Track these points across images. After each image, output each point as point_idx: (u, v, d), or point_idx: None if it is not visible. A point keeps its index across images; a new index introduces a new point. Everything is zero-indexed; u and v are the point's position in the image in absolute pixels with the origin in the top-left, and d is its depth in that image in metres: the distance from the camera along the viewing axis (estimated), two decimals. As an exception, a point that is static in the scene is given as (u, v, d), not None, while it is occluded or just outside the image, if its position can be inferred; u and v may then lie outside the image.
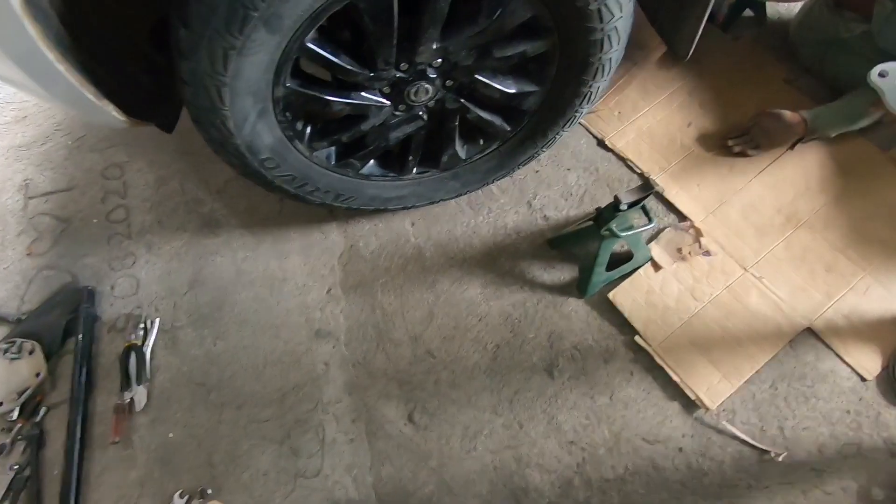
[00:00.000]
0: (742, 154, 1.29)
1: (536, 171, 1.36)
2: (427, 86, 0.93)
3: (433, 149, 1.10)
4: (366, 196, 1.15)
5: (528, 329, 1.20)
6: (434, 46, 0.83)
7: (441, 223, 1.32)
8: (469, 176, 1.20)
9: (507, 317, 1.21)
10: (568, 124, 1.09)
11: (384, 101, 0.94)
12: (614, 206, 1.00)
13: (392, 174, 1.14)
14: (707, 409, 1.08)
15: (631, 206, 1.01)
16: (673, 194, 1.28)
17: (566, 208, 1.31)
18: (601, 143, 1.37)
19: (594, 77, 0.95)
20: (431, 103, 0.99)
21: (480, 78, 0.94)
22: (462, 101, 0.99)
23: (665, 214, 1.28)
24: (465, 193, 1.26)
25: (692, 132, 1.36)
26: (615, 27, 0.85)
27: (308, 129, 0.96)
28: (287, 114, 0.88)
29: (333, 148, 1.03)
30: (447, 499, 1.06)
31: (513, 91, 0.98)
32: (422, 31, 0.79)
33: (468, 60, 0.90)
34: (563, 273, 1.24)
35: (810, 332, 1.13)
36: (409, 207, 1.25)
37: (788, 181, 1.27)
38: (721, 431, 1.07)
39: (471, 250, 1.28)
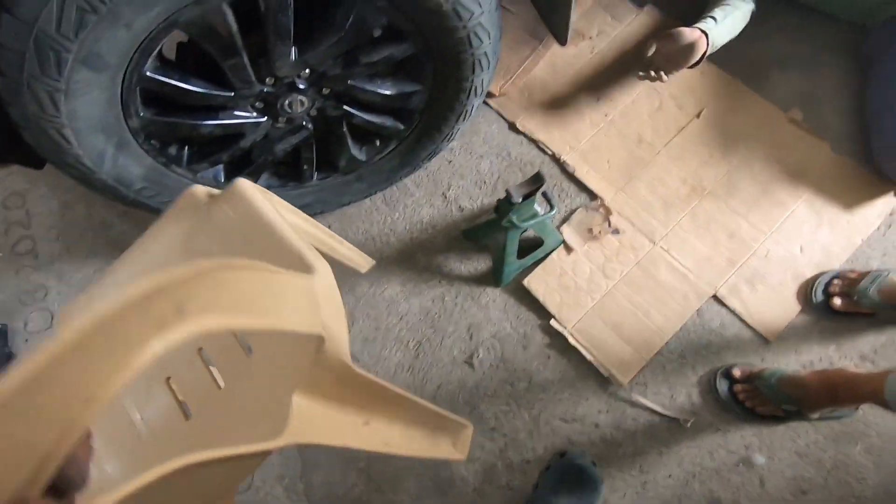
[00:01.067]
0: (653, 79, 1.21)
1: (450, 162, 1.35)
2: (300, 97, 0.90)
3: (328, 155, 1.08)
4: (268, 208, 1.13)
5: (447, 323, 1.21)
6: (292, 60, 0.81)
7: (357, 223, 1.31)
8: (374, 177, 1.18)
9: (427, 313, 1.22)
10: (462, 118, 1.07)
11: (258, 116, 0.91)
12: (507, 201, 1.00)
13: (292, 183, 1.12)
14: (620, 384, 1.12)
15: (526, 198, 1.02)
16: (584, 173, 1.29)
17: (480, 197, 1.31)
18: (512, 127, 1.36)
19: (473, 72, 0.93)
20: (313, 112, 0.96)
21: (356, 84, 0.92)
22: (344, 107, 0.97)
23: (577, 194, 1.29)
24: (375, 193, 1.25)
25: (602, 107, 1.35)
26: (479, 23, 0.83)
27: (185, 153, 0.93)
28: (153, 142, 0.85)
29: (221, 166, 1.01)
30: (376, 497, 1.09)
31: (393, 93, 0.96)
32: (271, 47, 0.76)
33: (336, 69, 0.87)
34: (480, 263, 1.25)
35: (716, 300, 1.17)
36: (318, 213, 1.23)
37: (692, 151, 1.28)
38: (634, 405, 1.12)
39: (388, 249, 1.28)
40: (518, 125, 1.35)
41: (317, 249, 0.56)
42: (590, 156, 1.31)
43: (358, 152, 1.10)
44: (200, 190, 0.60)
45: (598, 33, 1.42)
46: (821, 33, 1.35)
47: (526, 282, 1.20)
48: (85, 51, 0.62)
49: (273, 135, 0.98)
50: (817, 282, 1.13)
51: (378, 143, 1.11)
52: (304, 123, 0.98)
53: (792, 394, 1.01)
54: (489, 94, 1.38)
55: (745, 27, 1.24)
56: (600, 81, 1.37)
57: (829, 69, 1.32)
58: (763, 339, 1.14)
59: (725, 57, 1.35)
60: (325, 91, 0.92)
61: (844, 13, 1.30)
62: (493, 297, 1.22)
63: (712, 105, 1.32)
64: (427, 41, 0.86)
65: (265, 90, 0.86)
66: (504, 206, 1.04)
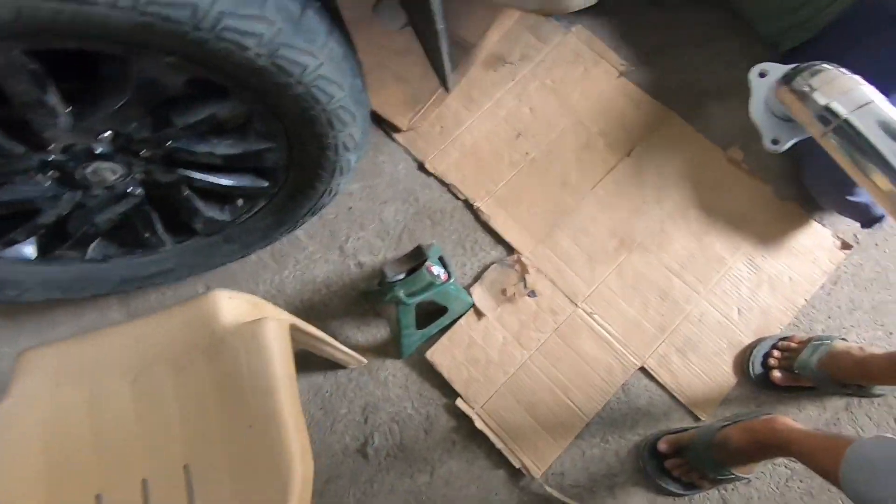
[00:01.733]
0: None
1: (349, 209, 1.17)
2: (105, 164, 0.71)
3: (177, 219, 0.89)
4: (114, 280, 0.94)
5: (340, 403, 1.04)
6: (64, 127, 0.62)
7: (240, 283, 1.13)
8: (246, 236, 1.00)
9: (318, 391, 1.05)
10: (339, 172, 0.90)
11: (57, 189, 0.72)
12: (384, 279, 0.84)
13: (139, 251, 0.93)
14: (534, 477, 0.97)
15: (410, 272, 0.85)
16: (500, 223, 1.13)
17: (383, 250, 1.14)
18: (421, 167, 1.19)
19: (332, 127, 0.76)
20: (139, 176, 0.78)
21: (180, 146, 0.73)
22: (179, 171, 0.78)
23: (492, 247, 1.13)
24: (251, 253, 1.07)
25: (523, 143, 1.19)
26: (321, 76, 0.66)
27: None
28: None
29: (30, 241, 0.81)
30: None
31: (237, 152, 0.78)
32: (24, 114, 0.58)
33: (144, 132, 0.69)
34: (380, 330, 1.09)
35: (644, 373, 1.03)
36: (187, 277, 1.04)
37: (622, 196, 1.13)
38: (550, 500, 0.97)
39: (275, 314, 1.10)
40: (427, 165, 1.18)
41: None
42: (508, 201, 1.15)
43: (217, 213, 0.92)
44: (226, 305, 0.66)
45: (520, 57, 1.25)
46: (764, 59, 1.21)
47: (429, 354, 1.04)
48: None
49: (90, 204, 0.79)
50: (755, 351, 1.00)
51: (241, 202, 0.92)
52: (129, 190, 0.80)
53: (722, 459, 0.87)
54: (394, 129, 1.21)
55: (687, 52, 1.10)
56: (522, 113, 1.21)
57: (773, 100, 1.18)
58: (695, 417, 1.01)
59: (660, 86, 1.21)
60: (145, 154, 0.74)
61: (769, 37, 1.17)
62: (394, 372, 1.06)
63: (645, 142, 1.16)
64: (259, 97, 0.68)
65: (51, 159, 0.67)
66: (384, 283, 0.87)
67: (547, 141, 1.18)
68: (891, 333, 1.03)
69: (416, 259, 0.83)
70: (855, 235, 1.09)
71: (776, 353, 0.98)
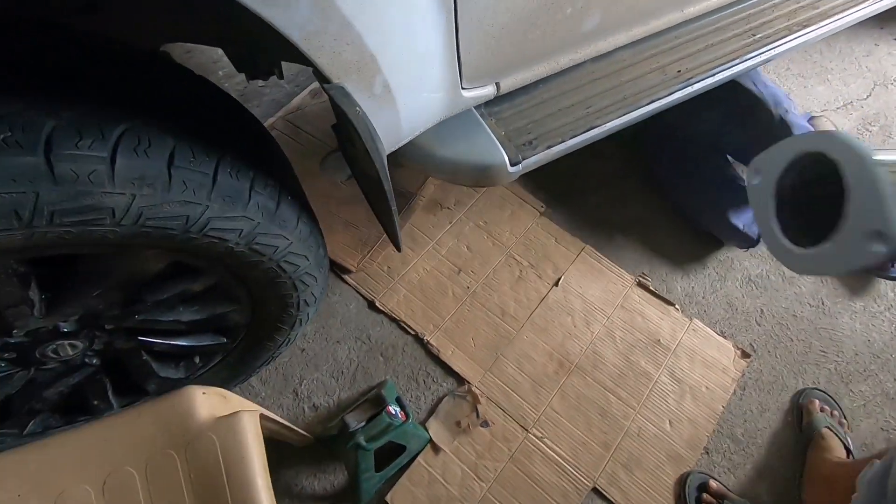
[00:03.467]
0: None
1: (302, 350, 1.20)
2: (70, 342, 0.73)
3: (130, 381, 0.89)
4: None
5: (296, 564, 0.99)
6: (36, 317, 0.64)
7: (187, 438, 1.08)
8: (199, 391, 0.99)
9: (272, 553, 0.99)
10: (297, 325, 0.95)
11: (9, 368, 0.72)
12: (346, 430, 0.86)
13: (84, 418, 0.89)
14: None
15: (370, 420, 0.89)
16: (449, 355, 1.20)
17: (337, 390, 1.16)
18: (371, 305, 1.26)
19: (296, 289, 0.83)
20: (97, 347, 0.79)
21: (148, 317, 0.77)
22: (140, 338, 0.81)
23: (443, 379, 1.19)
24: (204, 406, 1.05)
25: (463, 279, 1.31)
26: (290, 252, 0.74)
27: None
28: None
29: (-36, 422, 0.77)
30: None
31: (201, 317, 0.82)
32: (15, 316, 0.60)
33: (114, 311, 0.72)
34: (337, 476, 1.07)
35: (596, 493, 1.08)
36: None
37: (556, 322, 1.26)
38: None
39: (224, 469, 1.06)
40: (378, 303, 1.26)
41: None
42: (455, 333, 1.23)
43: (172, 371, 0.92)
44: (201, 401, 0.67)
45: (455, 202, 1.42)
46: (655, 199, 1.46)
47: (389, 497, 1.03)
48: None
49: (41, 379, 0.78)
50: (689, 482, 1.08)
51: (198, 359, 0.94)
52: (85, 361, 0.80)
53: None
54: (345, 270, 1.30)
55: (594, 194, 1.33)
56: (461, 251, 1.35)
57: (665, 229, 1.41)
58: (649, 534, 1.05)
59: (575, 223, 1.41)
60: (109, 327, 0.76)
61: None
62: (353, 521, 1.03)
63: (569, 272, 1.33)
64: (231, 272, 0.74)
65: (13, 342, 0.68)
66: (345, 432, 0.89)
67: (485, 275, 1.32)
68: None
69: (376, 406, 0.87)
70: (751, 344, 1.27)
71: (706, 496, 1.06)
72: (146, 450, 0.65)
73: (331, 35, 0.52)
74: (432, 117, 0.77)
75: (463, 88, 0.76)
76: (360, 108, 0.59)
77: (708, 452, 1.13)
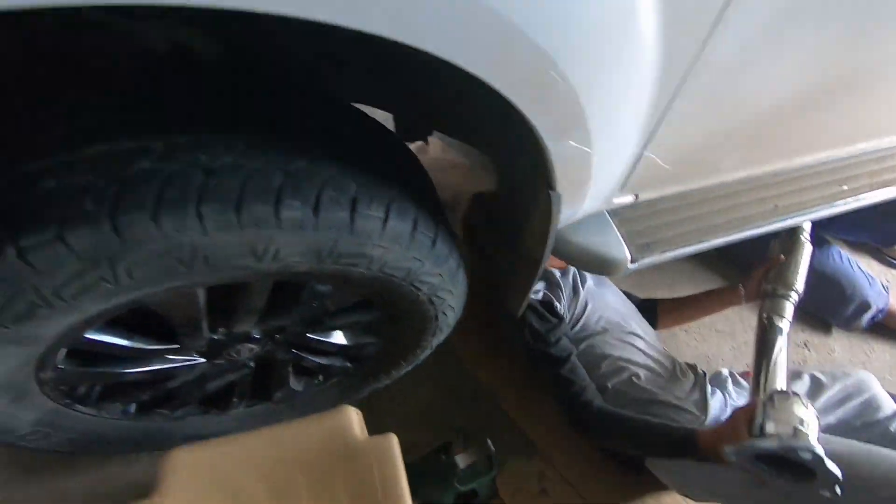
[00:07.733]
0: None
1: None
2: (251, 345, 0.84)
3: (264, 386, 0.99)
4: (178, 437, 0.98)
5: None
6: (253, 324, 0.77)
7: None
8: (305, 407, 1.09)
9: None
10: (409, 363, 1.06)
11: (198, 359, 0.83)
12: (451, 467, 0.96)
13: (214, 410, 1.00)
14: None
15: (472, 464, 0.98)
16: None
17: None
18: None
19: (433, 334, 0.95)
20: (262, 352, 0.90)
21: (313, 336, 0.89)
22: (295, 351, 0.92)
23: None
24: (303, 420, 1.15)
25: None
26: (440, 296, 0.86)
27: (94, 391, 0.80)
28: (62, 387, 0.73)
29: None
30: None
31: (349, 344, 0.94)
32: (236, 320, 0.73)
33: (298, 328, 0.84)
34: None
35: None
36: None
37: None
38: None
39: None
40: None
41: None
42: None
43: (296, 384, 1.03)
44: (356, 420, 0.79)
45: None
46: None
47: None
48: (20, 335, 0.54)
49: (209, 373, 0.89)
50: None
51: (321, 378, 1.05)
52: (247, 363, 0.91)
53: None
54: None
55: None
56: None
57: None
58: None
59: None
60: (279, 337, 0.88)
61: None
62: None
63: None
64: (388, 306, 0.86)
65: (214, 337, 0.80)
66: (447, 468, 0.99)
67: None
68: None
69: (484, 453, 0.96)
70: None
71: None
72: (311, 459, 0.75)
73: (572, 145, 0.63)
74: (584, 214, 0.91)
75: (615, 197, 0.91)
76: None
77: None
